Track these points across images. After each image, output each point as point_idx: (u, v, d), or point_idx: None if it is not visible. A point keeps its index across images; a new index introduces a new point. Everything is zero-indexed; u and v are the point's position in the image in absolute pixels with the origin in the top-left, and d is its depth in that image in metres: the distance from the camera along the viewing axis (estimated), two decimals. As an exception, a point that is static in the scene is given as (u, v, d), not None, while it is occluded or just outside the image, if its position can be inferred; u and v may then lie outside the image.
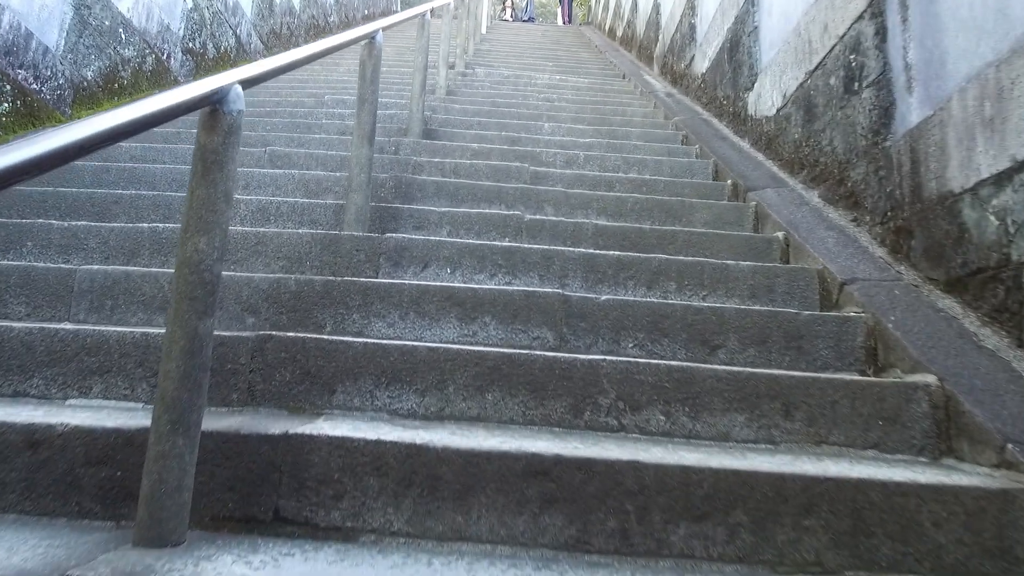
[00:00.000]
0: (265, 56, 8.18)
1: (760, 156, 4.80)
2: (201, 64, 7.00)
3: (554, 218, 3.70)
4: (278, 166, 4.40)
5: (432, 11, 6.62)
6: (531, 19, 19.67)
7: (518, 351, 2.25)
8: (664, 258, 3.18)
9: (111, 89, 5.57)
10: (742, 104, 5.32)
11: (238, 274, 2.76)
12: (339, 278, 2.74)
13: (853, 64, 3.62)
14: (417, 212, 3.63)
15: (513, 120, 5.99)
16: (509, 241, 3.50)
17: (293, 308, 2.67)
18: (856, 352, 2.63)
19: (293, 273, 3.05)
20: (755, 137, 4.99)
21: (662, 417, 2.18)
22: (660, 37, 8.60)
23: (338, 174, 4.05)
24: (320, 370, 2.21)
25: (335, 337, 2.28)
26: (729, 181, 4.45)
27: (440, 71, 6.79)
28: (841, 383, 2.24)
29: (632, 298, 2.80)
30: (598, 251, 3.23)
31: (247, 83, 1.86)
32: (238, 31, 7.91)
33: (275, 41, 9.02)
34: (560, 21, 19.71)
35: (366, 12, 13.86)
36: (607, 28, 14.18)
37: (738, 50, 5.46)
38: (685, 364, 2.26)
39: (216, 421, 1.89)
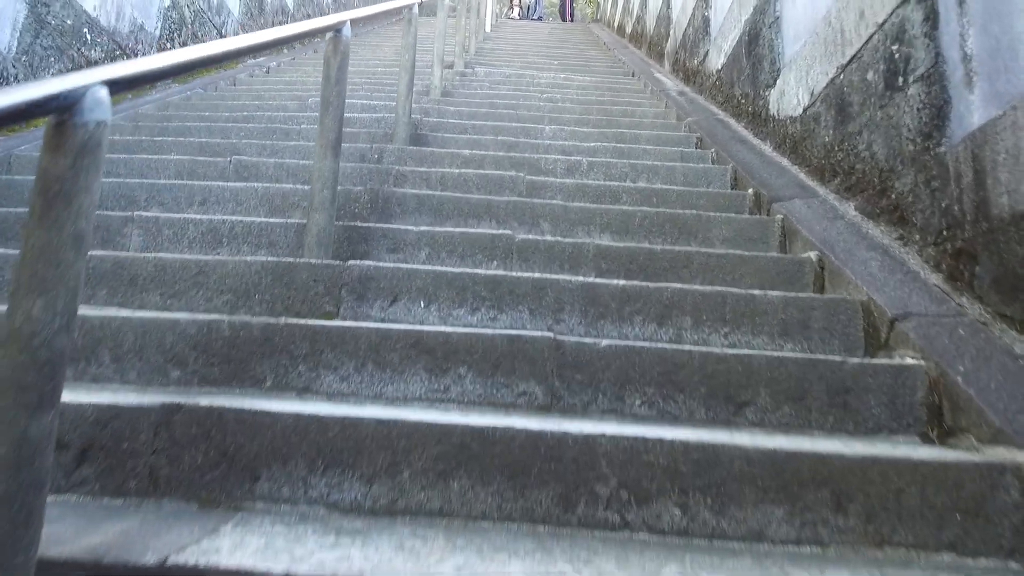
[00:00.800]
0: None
1: (784, 161, 4.30)
2: (181, 66, 6.57)
3: (550, 238, 3.22)
4: (244, 178, 3.95)
5: (427, 7, 6.16)
6: (540, 18, 19.18)
7: (492, 425, 1.77)
8: (678, 287, 2.69)
9: (76, 94, 5.15)
10: (763, 103, 4.82)
11: (162, 315, 2.30)
12: (282, 321, 2.27)
13: (896, 56, 3.11)
14: (393, 232, 3.15)
15: (512, 123, 5.51)
16: (497, 266, 3.02)
17: (227, 358, 2.20)
18: (916, 410, 2.14)
19: (239, 311, 2.59)
20: (778, 140, 4.49)
21: (677, 511, 1.70)
22: (671, 32, 8.10)
23: (308, 187, 3.59)
24: (241, 449, 1.74)
25: (260, 406, 1.80)
26: (750, 190, 3.95)
27: (435, 71, 6.32)
28: (907, 465, 1.74)
29: (640, 343, 2.31)
30: (600, 279, 2.74)
31: (117, 84, 1.39)
32: (224, 31, 7.48)
33: (266, 41, 8.57)
34: (562, 18, 19.18)
35: (367, 11, 13.41)
36: (616, 25, 13.68)
37: (758, 43, 4.95)
38: (706, 441, 1.76)
39: (80, 537, 1.42)
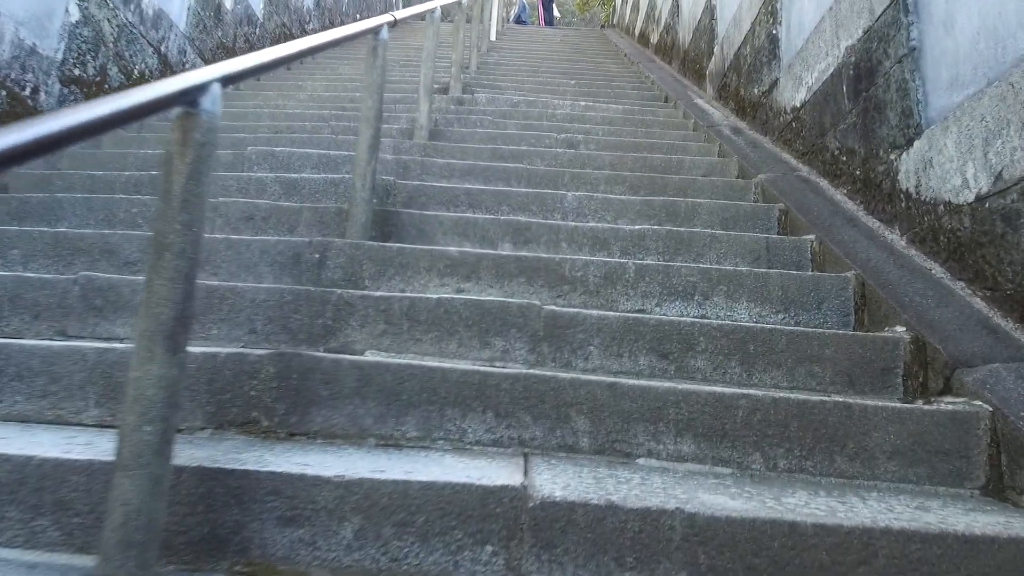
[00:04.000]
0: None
1: (938, 271, 2.82)
2: (97, 96, 5.11)
3: (589, 482, 1.75)
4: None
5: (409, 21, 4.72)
6: (550, 22, 17.67)
7: None
8: None
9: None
10: (885, 170, 3.33)
11: None
12: None
13: None
14: (290, 488, 1.68)
15: (520, 187, 4.04)
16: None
17: None
18: None
19: None
20: (920, 232, 3.00)
21: None
22: (717, 50, 6.60)
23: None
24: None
25: None
26: (902, 330, 2.47)
27: (421, 105, 4.84)
28: None
29: None
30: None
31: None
32: (163, 48, 6.02)
33: (226, 57, 7.11)
34: (540, 22, 17.66)
35: (359, 18, 11.94)
36: (637, 32, 12.18)
37: (874, 82, 3.46)
38: None
39: None
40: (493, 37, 11.48)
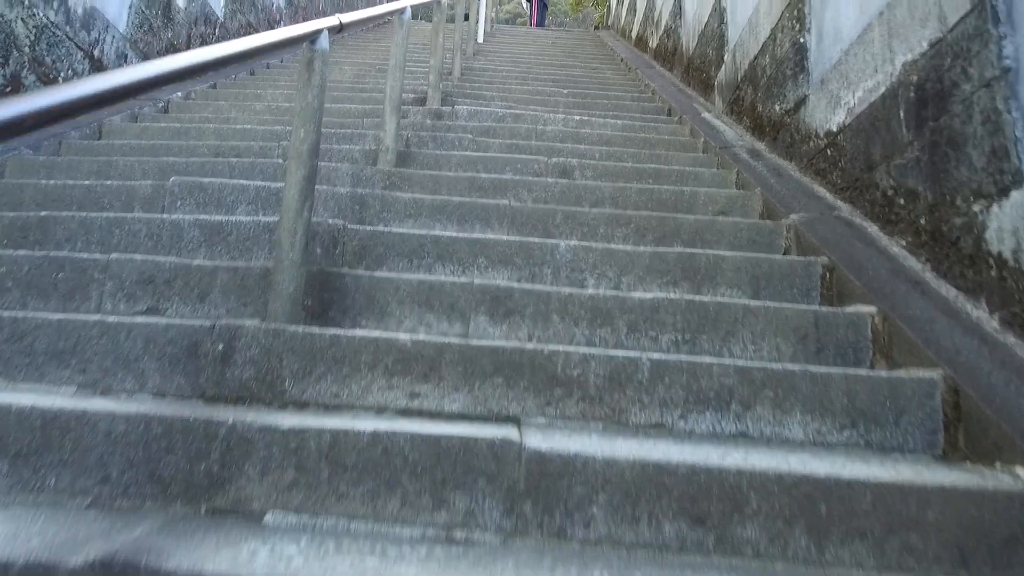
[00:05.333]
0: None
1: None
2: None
3: None
4: None
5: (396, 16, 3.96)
6: (541, 23, 16.92)
7: None
8: None
9: None
10: (965, 223, 2.60)
11: None
12: None
13: None
14: None
15: (502, 230, 3.31)
16: None
17: None
18: None
19: None
20: (1015, 306, 2.28)
21: None
22: (728, 58, 5.87)
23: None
24: None
25: None
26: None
27: (387, 125, 4.09)
28: None
29: None
30: None
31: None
32: (97, 51, 5.24)
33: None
34: (531, 23, 16.89)
35: (336, 16, 11.15)
36: (634, 35, 11.46)
37: (946, 110, 2.74)
38: None
39: None
40: (481, 39, 10.73)
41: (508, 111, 5.64)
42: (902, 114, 3.07)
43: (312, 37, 2.51)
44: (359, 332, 2.18)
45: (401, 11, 4.26)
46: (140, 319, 2.21)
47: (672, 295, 2.61)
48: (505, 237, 3.05)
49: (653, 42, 9.59)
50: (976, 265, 2.53)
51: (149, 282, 2.56)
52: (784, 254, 3.31)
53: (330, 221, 2.97)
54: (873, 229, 3.24)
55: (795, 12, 4.39)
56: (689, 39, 7.43)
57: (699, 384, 2.11)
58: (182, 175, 3.63)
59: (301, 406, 2.07)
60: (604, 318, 2.55)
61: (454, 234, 3.04)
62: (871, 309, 2.58)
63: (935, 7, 2.84)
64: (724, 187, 4.13)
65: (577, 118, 5.53)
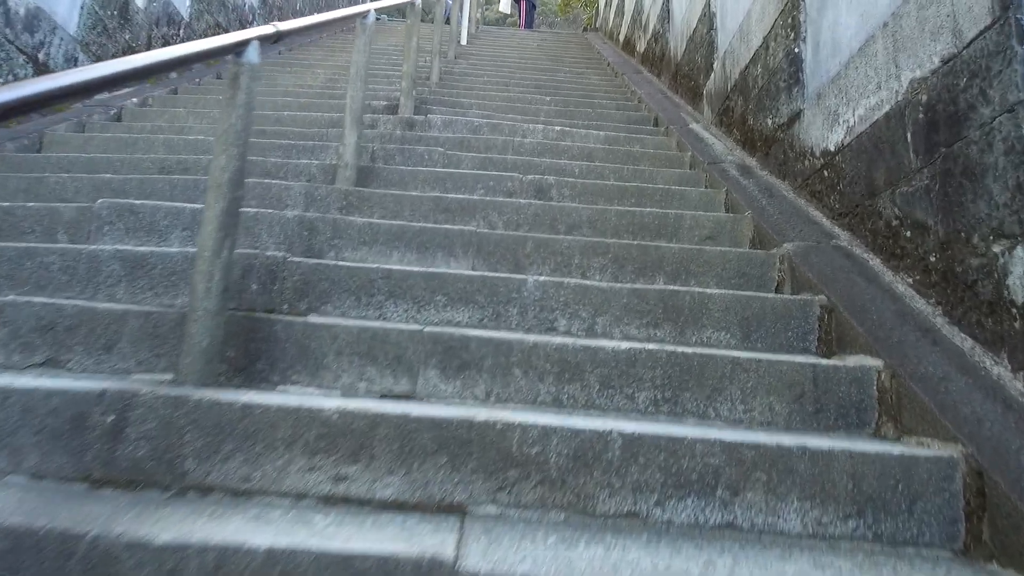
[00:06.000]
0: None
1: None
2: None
3: None
4: None
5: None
6: (530, 24, 16.58)
7: None
8: None
9: None
10: (983, 265, 2.29)
11: None
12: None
13: None
14: None
15: (465, 262, 2.98)
16: None
17: None
18: None
19: None
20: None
21: None
22: (718, 66, 5.56)
23: None
24: None
25: None
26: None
27: (347, 139, 3.75)
28: None
29: None
30: None
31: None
32: (42, 55, 4.88)
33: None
34: (521, 25, 16.55)
35: (315, 16, 10.77)
36: (621, 39, 11.15)
37: (961, 135, 2.42)
38: None
39: None
40: (464, 41, 10.39)
41: (485, 121, 5.31)
42: (909, 137, 2.76)
43: (237, 49, 2.17)
44: (275, 399, 1.84)
45: (363, 15, 3.91)
46: (19, 382, 1.86)
47: (651, 346, 2.29)
48: (467, 272, 2.71)
49: (640, 46, 9.28)
50: (996, 314, 2.22)
51: (49, 329, 2.22)
52: (777, 290, 2.99)
53: (268, 253, 2.63)
54: (876, 263, 2.93)
55: (789, 20, 4.08)
56: (677, 44, 7.11)
57: (679, 464, 1.79)
58: (116, 195, 3.29)
59: (204, 491, 1.73)
60: (573, 372, 2.23)
61: (410, 268, 2.70)
62: (876, 363, 2.26)
63: (948, 19, 2.53)
64: (712, 209, 3.81)
65: (558, 129, 5.21)
